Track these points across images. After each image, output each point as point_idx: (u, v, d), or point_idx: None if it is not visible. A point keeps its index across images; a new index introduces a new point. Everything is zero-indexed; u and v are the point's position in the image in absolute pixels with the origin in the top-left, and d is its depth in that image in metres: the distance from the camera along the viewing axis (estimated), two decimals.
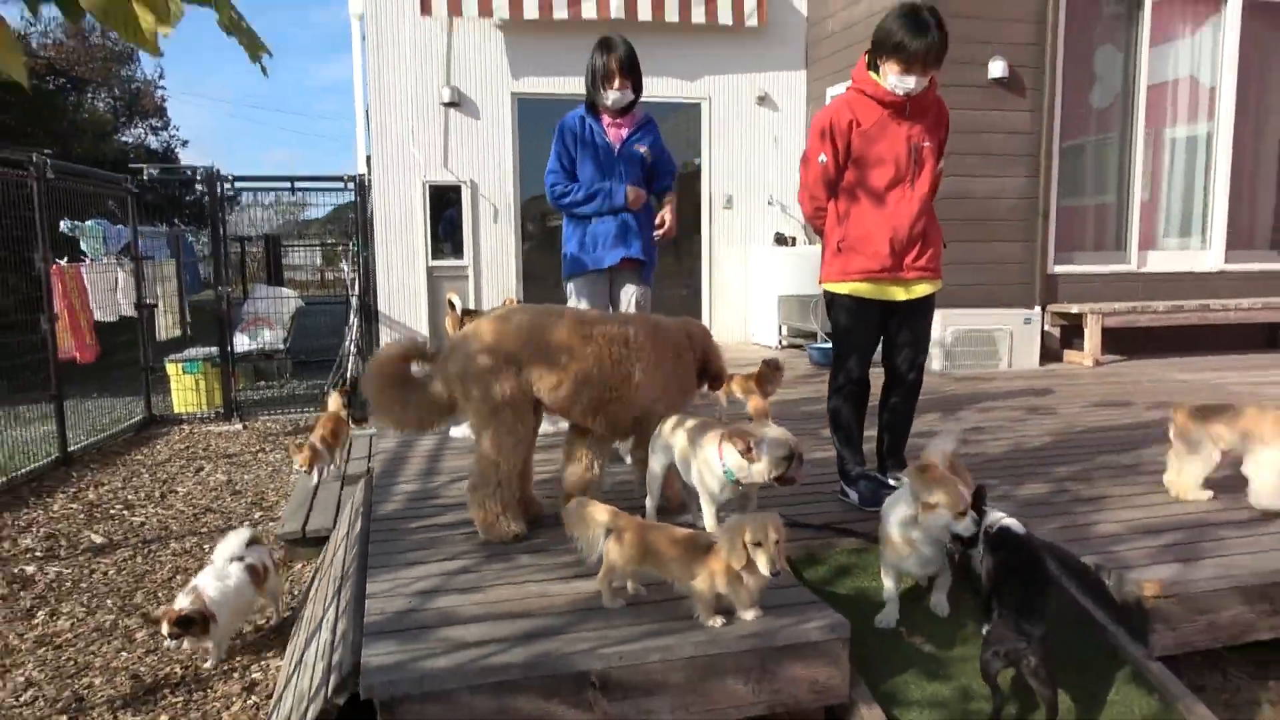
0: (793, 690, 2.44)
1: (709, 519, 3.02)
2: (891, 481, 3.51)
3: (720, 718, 2.40)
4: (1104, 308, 7.66)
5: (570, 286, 4.47)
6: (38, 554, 4.93)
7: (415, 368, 3.30)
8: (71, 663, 3.67)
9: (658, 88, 8.84)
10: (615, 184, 4.26)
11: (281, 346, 10.21)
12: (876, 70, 3.40)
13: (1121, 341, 7.97)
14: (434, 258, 8.72)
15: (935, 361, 7.32)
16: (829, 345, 3.65)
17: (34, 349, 7.24)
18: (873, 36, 3.38)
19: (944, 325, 7.32)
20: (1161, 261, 8.38)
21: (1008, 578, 2.64)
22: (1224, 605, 2.82)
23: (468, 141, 8.64)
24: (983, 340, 7.42)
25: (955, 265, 7.45)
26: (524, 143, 8.74)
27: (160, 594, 4.35)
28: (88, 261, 7.82)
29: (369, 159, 8.80)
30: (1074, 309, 7.75)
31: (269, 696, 3.33)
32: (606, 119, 4.28)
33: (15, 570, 4.66)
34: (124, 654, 3.73)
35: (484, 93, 8.60)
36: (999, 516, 2.82)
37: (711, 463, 2.97)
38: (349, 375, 8.48)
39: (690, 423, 3.15)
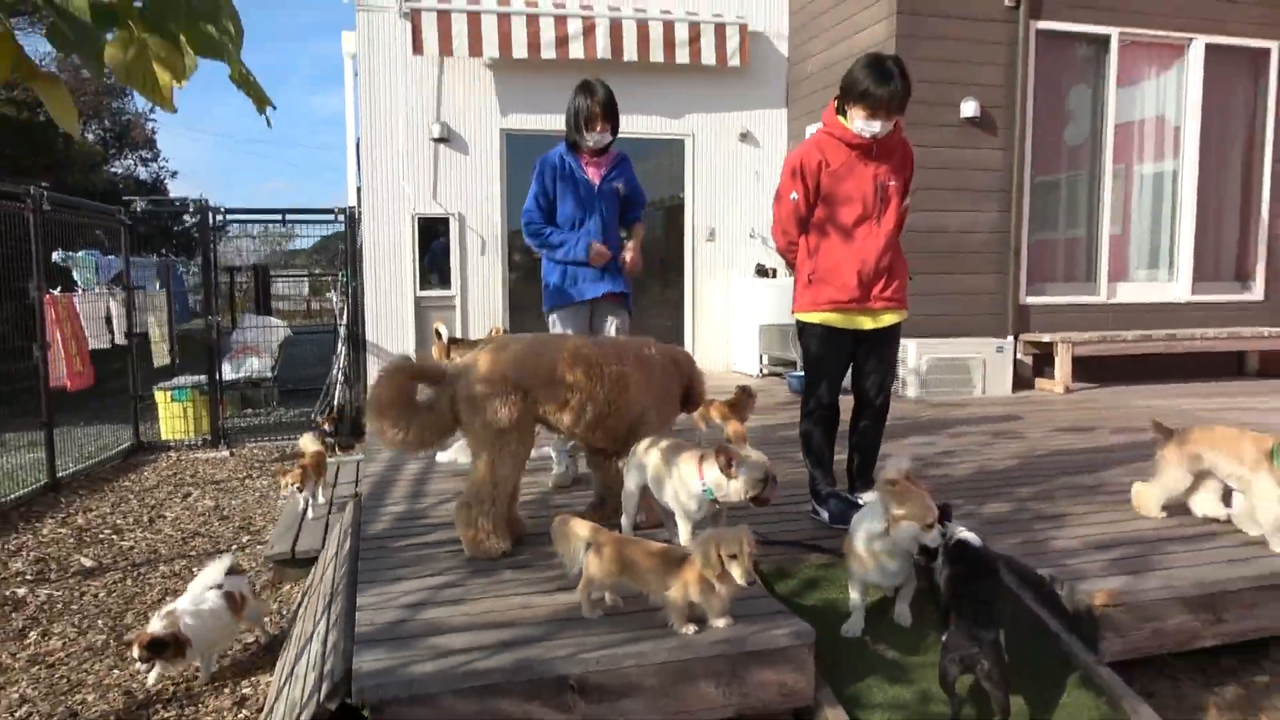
0: (761, 694, 2.58)
1: (684, 535, 3.17)
2: (862, 500, 3.67)
3: (690, 719, 2.54)
4: (1074, 337, 7.88)
5: (553, 318, 4.64)
6: (28, 577, 5.01)
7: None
8: (64, 680, 3.77)
9: (643, 124, 9.09)
10: (581, 237, 4.44)
11: (269, 375, 10.33)
12: (844, 115, 3.60)
13: (1092, 370, 8.18)
14: (422, 288, 8.88)
15: (911, 389, 7.52)
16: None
17: (24, 377, 7.35)
18: (841, 84, 3.59)
19: (919, 354, 7.52)
20: (1130, 293, 8.62)
21: (963, 588, 2.79)
22: (1169, 614, 2.98)
23: (456, 175, 8.84)
24: (957, 368, 7.62)
25: (931, 296, 7.70)
26: (511, 177, 8.94)
27: (150, 615, 4.44)
28: (80, 291, 7.94)
29: (359, 191, 8.97)
30: (1045, 338, 7.97)
31: (259, 710, 3.43)
32: (585, 157, 4.48)
33: (7, 592, 4.75)
34: (116, 671, 3.83)
35: (473, 129, 8.82)
36: (957, 530, 2.99)
37: (688, 481, 3.12)
38: (336, 403, 8.60)
39: (664, 443, 3.31)
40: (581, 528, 2.79)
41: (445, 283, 8.94)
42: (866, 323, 3.69)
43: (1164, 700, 3.17)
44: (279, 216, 9.33)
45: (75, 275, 8.37)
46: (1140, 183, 8.73)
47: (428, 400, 3.37)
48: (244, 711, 3.45)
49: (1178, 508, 3.87)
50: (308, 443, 5.52)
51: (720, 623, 2.63)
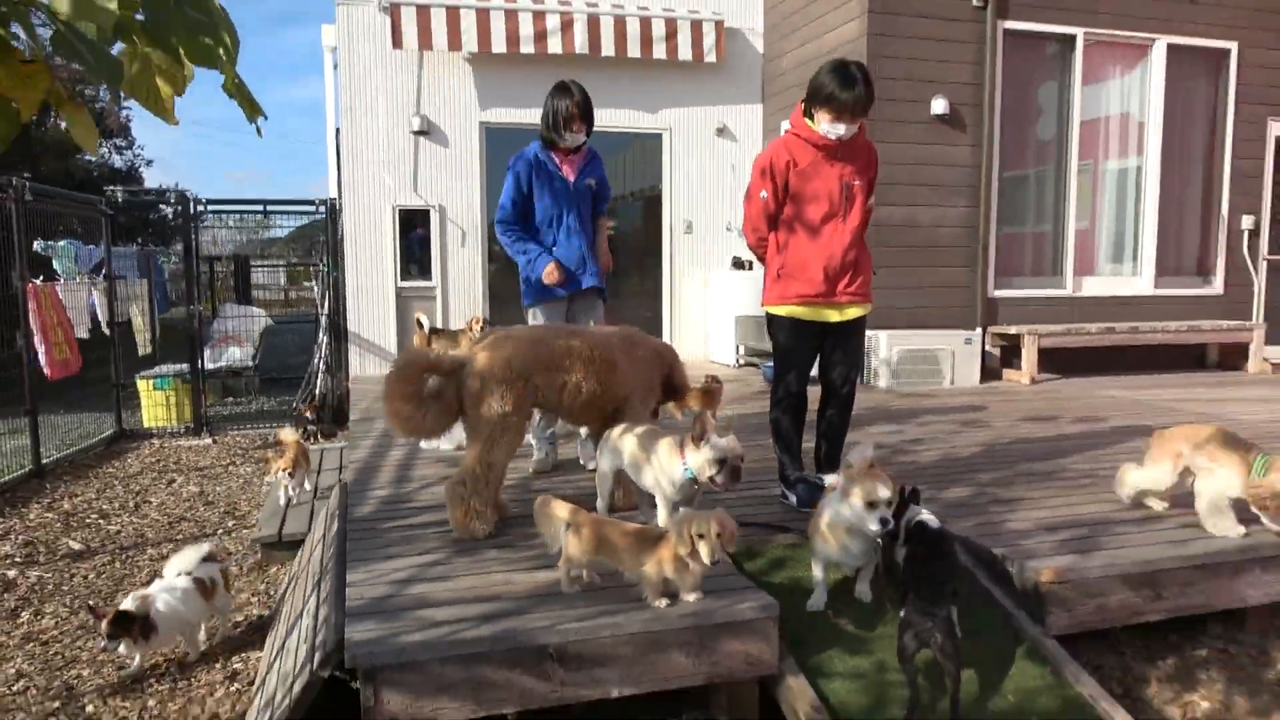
0: (729, 663, 2.76)
1: (663, 517, 3.34)
2: (826, 480, 3.85)
3: (664, 686, 2.72)
4: (1041, 329, 8.12)
5: (534, 312, 4.81)
6: (17, 559, 5.12)
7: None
8: (59, 656, 3.89)
9: (621, 119, 9.23)
10: (545, 256, 4.65)
11: (250, 364, 10.41)
12: (811, 118, 3.77)
13: (1058, 361, 8.43)
14: (403, 279, 8.99)
15: (882, 379, 7.73)
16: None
17: (2, 366, 7.42)
18: (808, 88, 3.75)
19: (890, 345, 7.74)
20: (1095, 286, 8.88)
21: (920, 567, 2.98)
22: (1112, 590, 3.19)
23: (437, 168, 8.95)
24: (926, 359, 7.84)
25: (901, 289, 7.91)
26: (491, 170, 9.05)
27: None
28: (61, 280, 8.00)
29: (340, 183, 9.06)
30: (1013, 330, 8.20)
31: (250, 683, 3.58)
32: (559, 155, 4.64)
33: None
34: None
35: (453, 122, 8.92)
36: (917, 511, 3.17)
37: (669, 468, 3.29)
38: (317, 392, 8.71)
39: (639, 430, 3.47)
40: (561, 509, 2.96)
41: (426, 274, 9.06)
42: (833, 315, 3.87)
43: (1110, 673, 3.39)
44: (260, 207, 9.40)
45: (56, 264, 8.43)
46: (1105, 179, 8.98)
47: (435, 390, 3.51)
48: (235, 685, 3.59)
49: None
50: (287, 434, 5.61)
51: (691, 597, 2.80)
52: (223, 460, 7.63)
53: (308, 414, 8.24)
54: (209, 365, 9.46)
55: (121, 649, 3.57)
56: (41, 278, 7.54)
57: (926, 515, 3.15)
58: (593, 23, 8.82)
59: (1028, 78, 8.45)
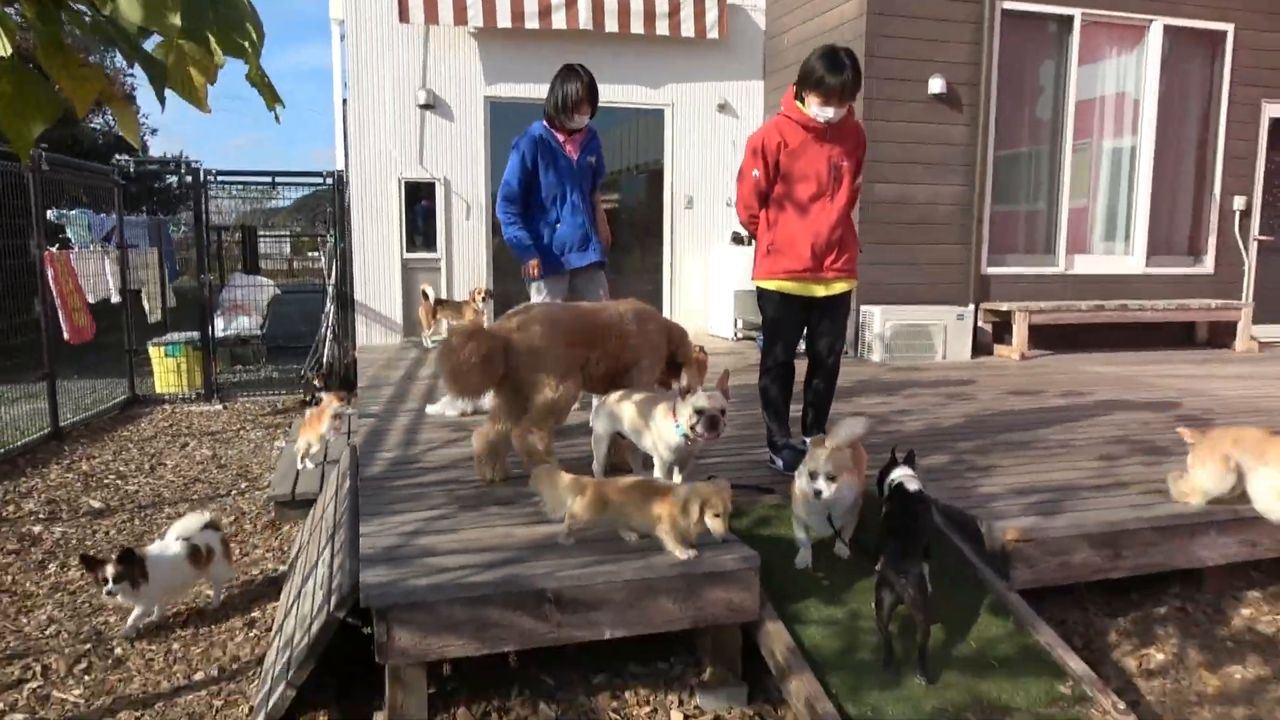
0: (713, 609, 2.99)
1: (660, 475, 3.57)
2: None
3: (654, 630, 2.95)
4: (1031, 306, 8.30)
5: (538, 285, 5.03)
6: (41, 516, 5.36)
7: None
8: (86, 605, 4.13)
9: (623, 94, 9.37)
10: (532, 254, 4.91)
11: (258, 332, 10.63)
12: (802, 100, 3.94)
13: (1049, 338, 8.62)
14: (408, 250, 9.18)
15: (875, 353, 7.93)
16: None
17: (16, 332, 7.62)
18: (799, 72, 3.92)
19: (884, 319, 7.93)
20: (1088, 264, 9.04)
21: (897, 525, 3.20)
22: (1075, 549, 3.41)
23: (442, 141, 9.10)
24: (919, 334, 8.03)
25: (895, 265, 8.10)
26: (496, 144, 9.21)
27: None
28: (75, 249, 8.19)
29: (346, 155, 9.22)
30: (1004, 307, 8.39)
31: (268, 629, 3.82)
32: (562, 134, 4.84)
33: (23, 530, 5.10)
34: None
35: (458, 96, 9.07)
36: (899, 474, 3.39)
37: (665, 433, 3.51)
38: (325, 360, 8.92)
39: (636, 396, 3.69)
40: (564, 477, 3.17)
41: (431, 245, 9.24)
42: (819, 290, 4.07)
43: (1073, 627, 3.62)
44: (269, 178, 9.57)
45: (69, 233, 8.61)
46: (1099, 158, 9.12)
47: (485, 357, 3.72)
48: (254, 631, 3.83)
49: (1097, 458, 4.32)
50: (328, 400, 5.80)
51: (687, 554, 3.02)
52: (233, 425, 7.86)
53: (316, 382, 8.47)
54: (218, 333, 9.67)
55: (120, 598, 3.68)
56: (57, 246, 7.74)
57: (907, 477, 3.36)
58: None
59: (1025, 57, 8.57)
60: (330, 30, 10.25)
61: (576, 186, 4.87)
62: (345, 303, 9.16)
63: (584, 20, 8.87)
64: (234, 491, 5.89)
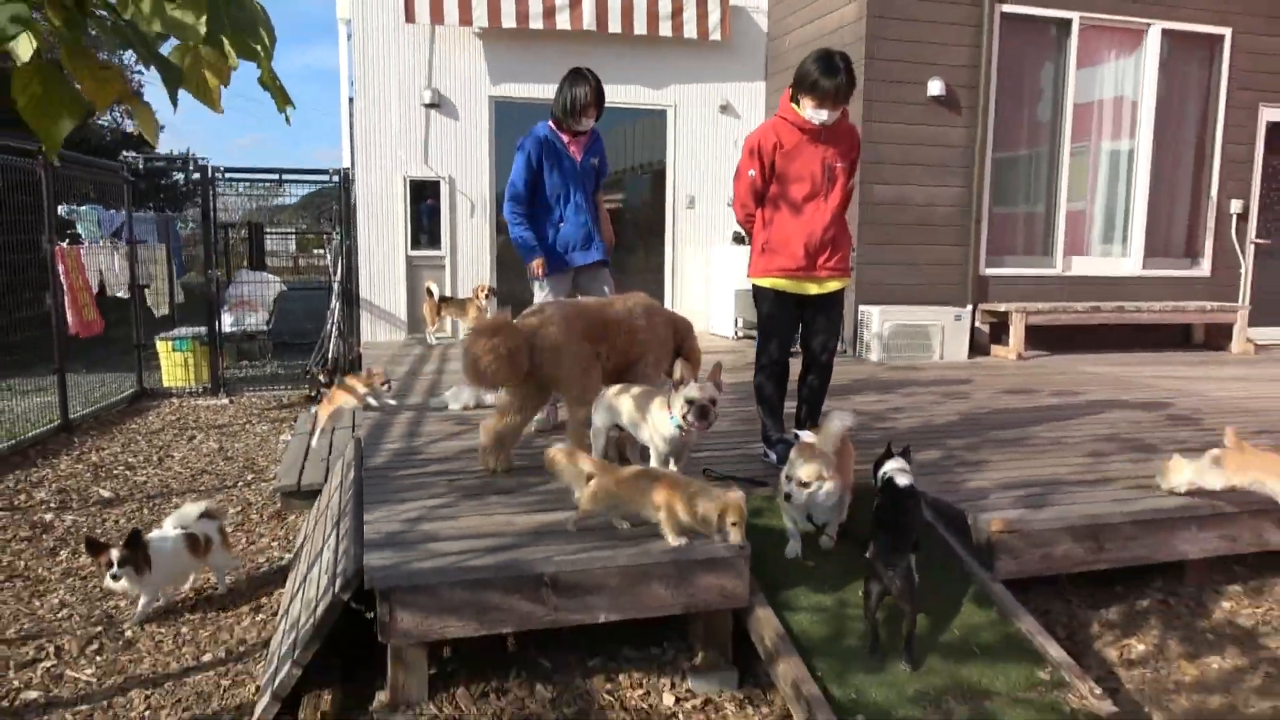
0: (705, 595, 3.09)
1: (656, 464, 3.68)
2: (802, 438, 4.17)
3: (647, 614, 3.05)
4: (1029, 307, 8.40)
5: (543, 283, 5.15)
6: (52, 505, 5.47)
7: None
8: (97, 590, 4.23)
9: (626, 95, 9.47)
10: (537, 254, 5.04)
11: (264, 328, 10.75)
12: (798, 103, 4.05)
13: (1047, 339, 8.71)
14: (413, 247, 9.29)
15: (874, 352, 8.03)
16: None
17: (25, 326, 7.75)
18: (794, 75, 4.02)
19: (882, 319, 8.03)
20: (1085, 266, 9.13)
21: (886, 517, 3.30)
22: (1057, 541, 3.51)
23: (447, 140, 9.21)
24: (917, 334, 8.13)
25: (895, 266, 8.20)
26: (500, 143, 9.32)
27: None
28: (85, 244, 8.32)
29: (353, 153, 9.34)
30: (1001, 308, 8.48)
31: (274, 614, 3.93)
32: (567, 135, 4.95)
33: (35, 518, 5.21)
34: None
35: (463, 95, 9.18)
36: (891, 466, 3.49)
37: (660, 426, 3.62)
38: (330, 355, 9.04)
39: (634, 390, 3.79)
40: (585, 461, 3.29)
41: (435, 243, 9.35)
42: (812, 288, 4.17)
43: (1056, 618, 3.71)
44: (275, 176, 9.69)
45: (79, 228, 8.75)
46: (1097, 161, 9.21)
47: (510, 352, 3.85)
48: (260, 616, 3.94)
49: (1085, 454, 4.42)
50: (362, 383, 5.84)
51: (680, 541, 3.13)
52: (239, 419, 7.97)
53: (321, 377, 8.58)
54: (225, 329, 9.79)
55: (125, 582, 3.72)
56: (68, 240, 7.86)
57: (899, 471, 3.46)
58: (601, 0, 9.04)
59: (1023, 60, 8.66)
60: (336, 31, 10.37)
61: (580, 187, 4.99)
62: (350, 299, 9.28)
63: (588, 21, 8.98)
64: (240, 483, 6.00)
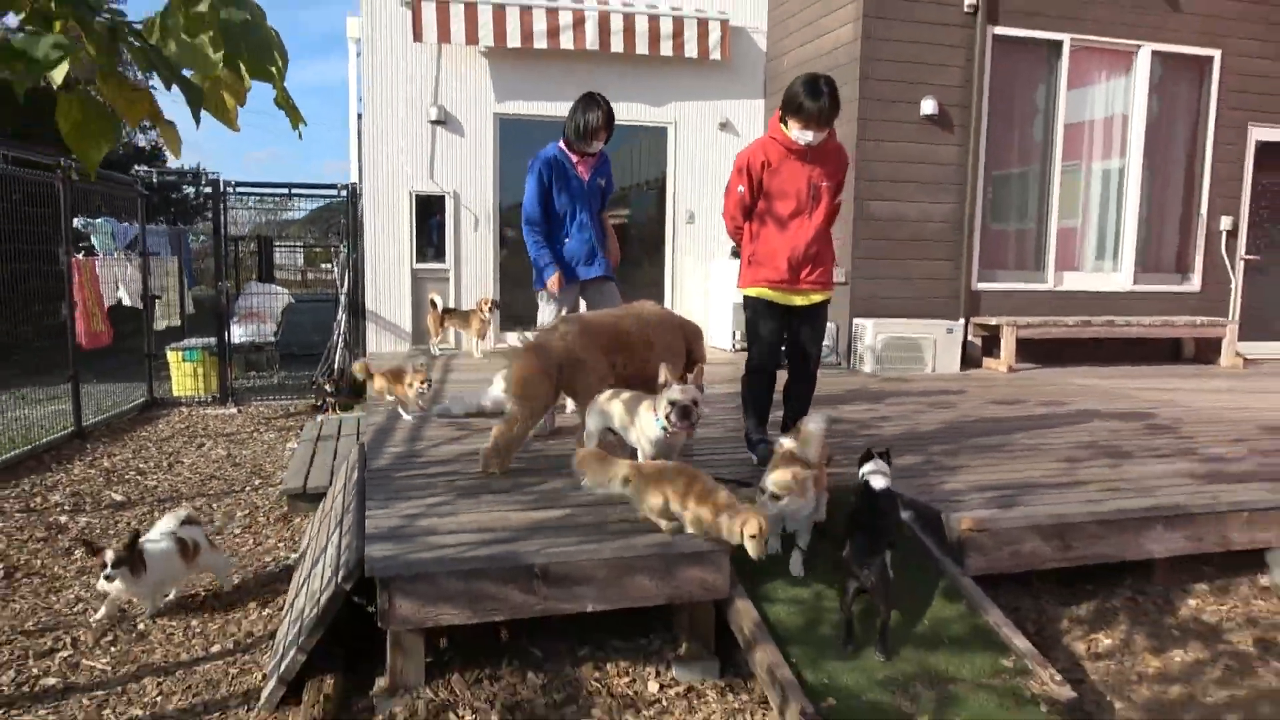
0: (687, 587, 3.26)
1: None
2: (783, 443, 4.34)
3: (632, 604, 3.23)
4: (1019, 320, 8.57)
5: (547, 294, 5.36)
6: (66, 508, 5.67)
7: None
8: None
9: (628, 112, 9.69)
10: (553, 271, 5.24)
11: (271, 339, 10.97)
12: (786, 124, 4.24)
13: (1038, 353, 8.87)
14: (418, 260, 9.51)
15: (867, 364, 8.20)
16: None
17: (38, 337, 7.97)
18: (783, 98, 4.23)
19: (875, 332, 8.21)
20: (1077, 281, 9.30)
21: (862, 518, 3.47)
22: (1025, 539, 3.68)
23: (452, 156, 9.45)
24: (910, 347, 8.30)
25: (888, 280, 8.39)
26: (504, 158, 9.54)
27: None
28: (100, 256, 8.55)
29: (360, 167, 9.57)
30: (993, 321, 8.65)
31: (280, 609, 4.11)
32: (576, 156, 5.18)
33: (50, 519, 5.41)
34: None
35: (468, 112, 9.42)
36: (869, 468, 3.66)
37: (646, 428, 3.80)
38: (337, 366, 9.24)
39: (624, 395, 3.99)
40: (623, 465, 3.51)
41: (440, 256, 9.57)
42: (797, 299, 4.36)
43: (1026, 614, 3.87)
44: (285, 190, 9.92)
45: (94, 240, 8.98)
46: (1088, 179, 9.39)
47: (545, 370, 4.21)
48: (267, 610, 4.12)
49: (1061, 460, 4.59)
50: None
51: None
52: (247, 428, 8.18)
53: (327, 386, 8.78)
54: (234, 340, 10.01)
55: (118, 583, 3.84)
56: (82, 253, 8.09)
57: (874, 473, 3.63)
58: (603, 20, 9.28)
59: (1015, 81, 8.86)
60: (342, 45, 10.63)
61: (586, 206, 5.24)
62: (356, 311, 9.49)
63: (591, 41, 9.22)
64: (248, 488, 6.19)
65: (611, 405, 4.01)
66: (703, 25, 9.60)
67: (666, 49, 9.48)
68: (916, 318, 8.47)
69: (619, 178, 5.58)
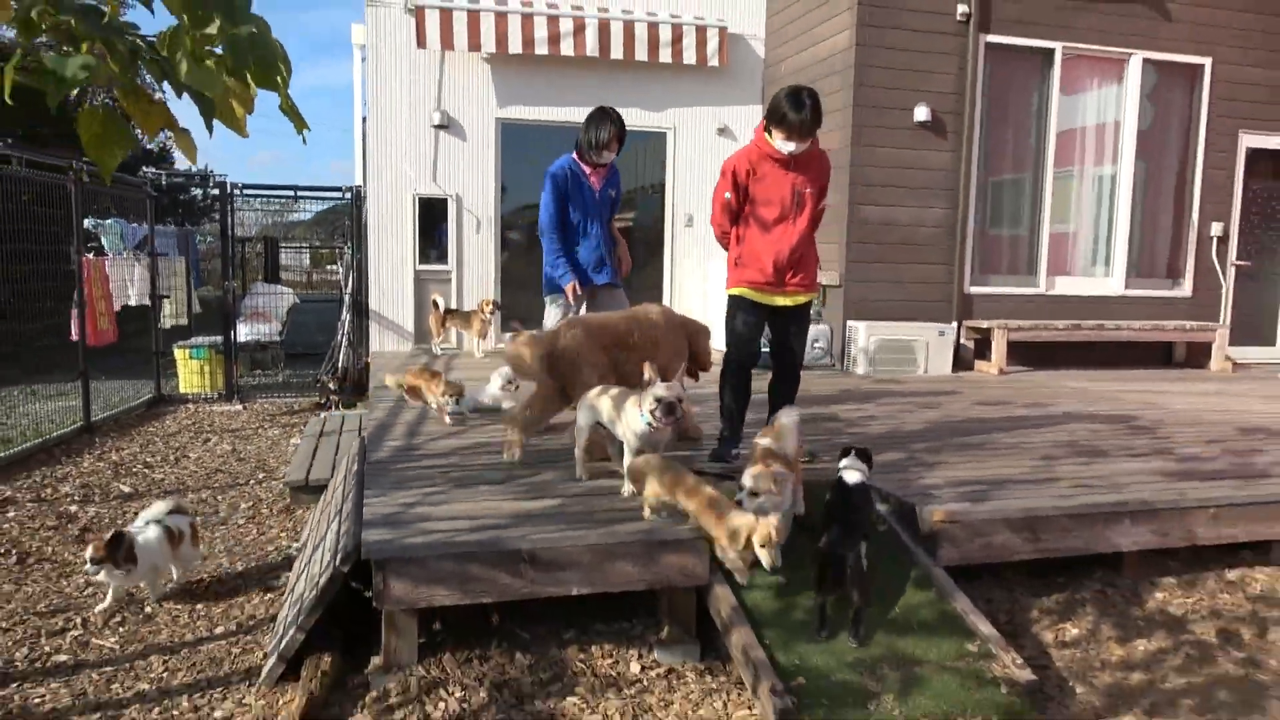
0: (668, 573, 3.43)
1: (629, 461, 4.02)
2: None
3: (615, 588, 3.39)
4: (1010, 323, 8.71)
5: (554, 297, 5.53)
6: (76, 498, 5.85)
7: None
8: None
9: (628, 118, 9.70)
10: (570, 273, 5.42)
11: (277, 338, 11.17)
12: (770, 133, 4.40)
13: (1030, 356, 9.00)
14: (421, 262, 9.68)
15: (859, 366, 8.35)
16: (767, 350, 4.77)
17: (44, 335, 8.16)
18: (768, 108, 4.38)
19: (868, 335, 8.36)
20: (1069, 286, 9.44)
21: (837, 512, 3.62)
22: (995, 531, 3.83)
23: (455, 160, 9.62)
24: (902, 349, 8.45)
25: (881, 283, 8.54)
26: (506, 163, 9.71)
27: None
28: (110, 256, 8.75)
29: (365, 170, 9.75)
30: (985, 324, 8.79)
31: (282, 593, 4.28)
32: (588, 167, 5.36)
33: (60, 509, 5.59)
34: None
35: (471, 117, 9.59)
36: (845, 464, 3.82)
37: (632, 423, 3.96)
38: (340, 365, 9.42)
39: (613, 391, 4.15)
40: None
41: (443, 258, 9.75)
42: (781, 300, 4.52)
43: (999, 605, 4.03)
44: (291, 192, 10.11)
45: (104, 241, 9.18)
46: (1079, 185, 9.53)
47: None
48: (269, 595, 4.30)
49: (1039, 457, 4.74)
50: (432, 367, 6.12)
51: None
52: (252, 424, 8.36)
53: (331, 385, 8.97)
54: (240, 339, 10.20)
55: (102, 575, 3.97)
56: (91, 252, 8.29)
57: (849, 469, 3.78)
58: (603, 27, 9.45)
59: (1008, 88, 9.01)
60: (346, 48, 10.83)
61: (597, 216, 5.45)
62: (360, 311, 9.67)
63: (591, 47, 9.39)
64: (252, 481, 6.36)
65: (600, 401, 4.17)
66: (701, 32, 9.76)
67: (666, 55, 9.64)
68: (909, 320, 8.61)
69: (623, 182, 5.77)
